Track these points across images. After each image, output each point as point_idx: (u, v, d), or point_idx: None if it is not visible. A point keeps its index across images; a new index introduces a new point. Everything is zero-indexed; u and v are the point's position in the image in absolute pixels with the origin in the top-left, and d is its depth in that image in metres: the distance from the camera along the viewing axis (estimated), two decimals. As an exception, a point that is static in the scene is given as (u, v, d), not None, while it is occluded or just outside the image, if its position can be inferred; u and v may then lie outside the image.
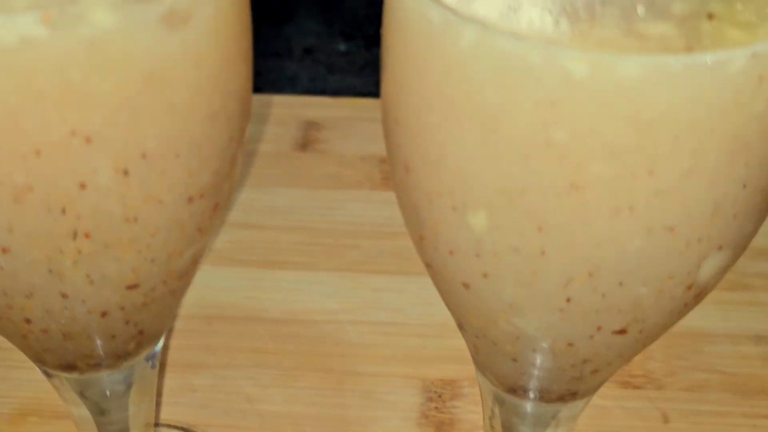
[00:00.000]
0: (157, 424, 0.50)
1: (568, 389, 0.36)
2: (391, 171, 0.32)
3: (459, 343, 0.54)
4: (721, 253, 0.29)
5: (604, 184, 0.26)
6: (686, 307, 0.32)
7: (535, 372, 0.35)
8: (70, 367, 0.36)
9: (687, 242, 0.28)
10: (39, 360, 0.36)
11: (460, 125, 0.27)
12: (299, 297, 0.58)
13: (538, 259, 0.29)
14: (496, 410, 0.40)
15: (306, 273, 0.60)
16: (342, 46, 0.88)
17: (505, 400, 0.39)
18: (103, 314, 0.32)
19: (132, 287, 0.31)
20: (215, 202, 0.32)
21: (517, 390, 0.37)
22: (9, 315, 0.31)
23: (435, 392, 0.52)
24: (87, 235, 0.28)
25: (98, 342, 0.34)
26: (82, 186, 0.27)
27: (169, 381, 0.52)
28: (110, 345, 0.34)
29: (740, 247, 0.30)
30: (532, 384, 0.36)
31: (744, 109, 0.26)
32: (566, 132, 0.26)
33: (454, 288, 0.32)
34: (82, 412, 0.40)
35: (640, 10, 0.27)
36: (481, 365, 0.37)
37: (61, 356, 0.35)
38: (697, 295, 0.31)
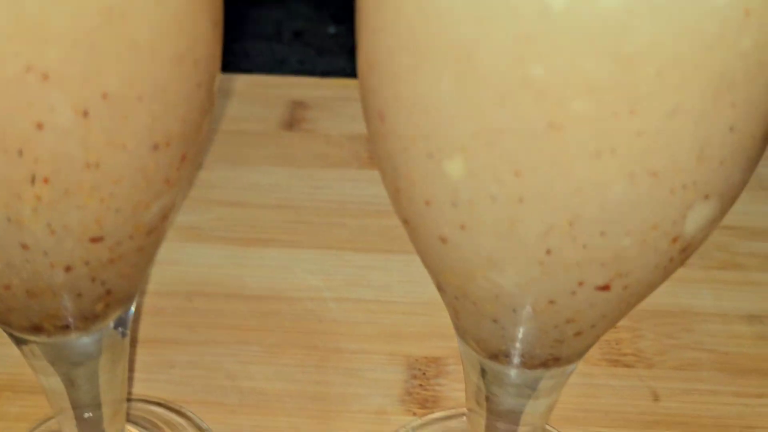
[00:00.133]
0: (131, 399, 0.48)
1: (551, 354, 0.35)
2: (366, 121, 0.31)
3: (443, 320, 0.53)
4: (707, 203, 0.28)
5: (584, 124, 0.25)
6: (672, 263, 0.31)
7: (517, 334, 0.34)
8: (37, 329, 0.35)
9: (671, 189, 0.27)
10: (5, 322, 0.35)
11: (434, 65, 0.26)
12: (282, 274, 0.57)
13: (516, 207, 0.27)
14: (481, 385, 0.39)
15: (290, 250, 0.59)
16: (332, 29, 0.87)
17: (487, 368, 0.38)
18: (67, 269, 0.31)
19: (96, 240, 0.30)
20: (183, 153, 0.30)
21: (499, 356, 0.36)
22: (-33, 268, 0.30)
23: (419, 370, 0.51)
24: (46, 180, 0.27)
25: (64, 301, 0.33)
26: (40, 126, 0.26)
27: (147, 357, 0.51)
28: (77, 304, 0.33)
29: (728, 198, 0.29)
30: (514, 348, 0.35)
31: (729, 44, 0.25)
32: (544, 68, 0.25)
33: (431, 243, 0.31)
34: (53, 382, 0.39)
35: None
36: (462, 330, 0.36)
37: (27, 317, 0.34)
38: (684, 249, 0.30)
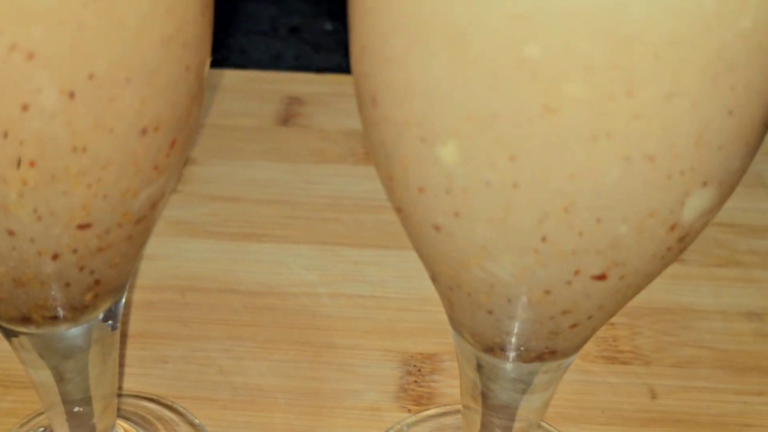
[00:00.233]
0: (123, 395, 0.48)
1: (547, 346, 0.34)
2: (359, 108, 0.31)
3: (439, 317, 0.53)
4: (705, 190, 0.28)
5: (580, 107, 0.25)
6: (670, 252, 0.30)
7: (512, 326, 0.33)
8: (25, 320, 0.34)
9: (668, 174, 0.26)
10: (-8, 313, 0.34)
11: (427, 47, 0.26)
12: (277, 270, 0.57)
13: (511, 193, 0.27)
14: (477, 380, 0.38)
15: (284, 246, 0.59)
16: (328, 26, 0.86)
17: (482, 362, 0.37)
18: (55, 257, 0.30)
19: (84, 227, 0.29)
20: (172, 138, 0.30)
21: (495, 349, 0.35)
22: (-48, 254, 0.29)
23: (414, 366, 0.50)
24: (32, 164, 0.27)
25: (52, 290, 0.32)
26: (25, 107, 0.25)
27: (140, 352, 0.50)
28: (65, 294, 0.33)
29: (726, 186, 0.29)
30: (510, 340, 0.34)
31: (728, 24, 0.24)
32: (538, 49, 0.24)
33: (425, 232, 0.31)
34: (43, 376, 0.39)
35: None
36: (456, 323, 0.36)
37: (15, 306, 0.33)
38: (681, 238, 0.29)
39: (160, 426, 0.47)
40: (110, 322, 0.37)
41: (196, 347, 0.51)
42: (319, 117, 0.70)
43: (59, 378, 0.39)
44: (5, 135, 0.26)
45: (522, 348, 0.35)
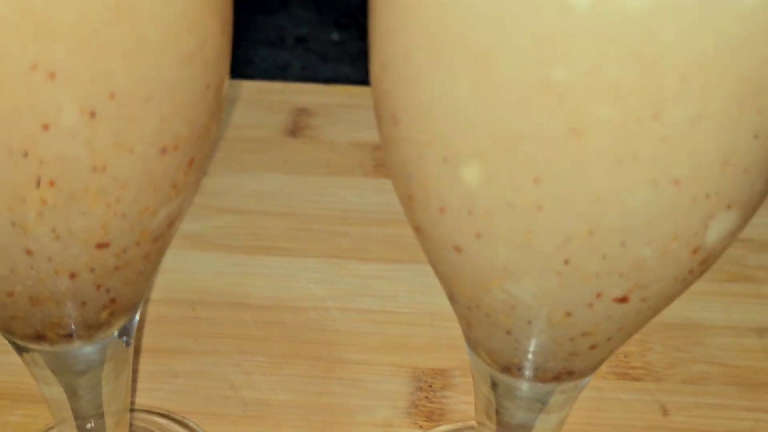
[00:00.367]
0: (134, 410, 0.48)
1: (565, 367, 0.34)
2: (379, 126, 0.31)
3: (450, 332, 0.53)
4: (730, 212, 0.27)
5: (606, 129, 0.25)
6: (691, 274, 0.30)
7: (531, 346, 0.33)
8: (39, 338, 0.34)
9: (694, 198, 0.26)
10: (6, 330, 0.34)
11: (451, 66, 0.26)
12: (286, 283, 0.56)
13: (534, 216, 0.27)
14: (491, 398, 0.38)
15: (294, 259, 0.58)
16: (335, 36, 0.86)
17: (498, 381, 0.37)
18: (72, 275, 0.30)
19: (102, 246, 0.29)
20: (191, 157, 0.30)
21: (512, 368, 0.35)
22: (-31, 273, 0.29)
23: (425, 381, 0.50)
24: (51, 183, 0.26)
25: (68, 308, 0.32)
26: (45, 127, 0.25)
27: (150, 366, 0.50)
28: (81, 312, 0.32)
29: (750, 207, 0.29)
30: (527, 361, 0.34)
31: (757, 48, 0.24)
32: (566, 70, 0.24)
33: (445, 253, 0.30)
34: (55, 392, 0.38)
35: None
36: (473, 342, 0.35)
37: (30, 324, 0.33)
38: (704, 260, 0.29)
39: (170, 441, 0.47)
40: (124, 338, 0.37)
41: (207, 362, 0.51)
42: (328, 128, 0.70)
43: (72, 394, 0.38)
44: (25, 154, 0.25)
45: (539, 368, 0.34)
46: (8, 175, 0.26)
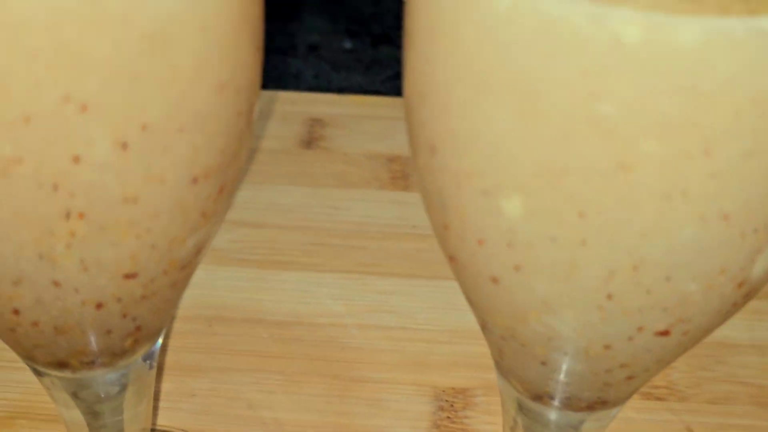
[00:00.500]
0: (153, 430, 0.47)
1: (599, 397, 0.33)
2: (413, 154, 0.30)
3: (471, 349, 0.52)
4: (776, 246, 0.27)
5: (655, 165, 0.24)
6: (734, 307, 0.29)
7: (566, 377, 0.32)
8: (62, 365, 0.33)
9: (742, 233, 0.25)
10: (28, 357, 0.33)
11: (494, 98, 0.25)
12: (303, 299, 0.56)
13: (578, 250, 0.26)
14: (519, 420, 0.37)
15: (310, 274, 0.58)
16: (347, 44, 0.85)
17: (528, 407, 0.36)
18: (99, 306, 0.29)
19: (130, 276, 0.28)
20: (221, 185, 0.29)
21: (543, 397, 0.34)
22: (-5, 305, 0.28)
23: (446, 401, 0.49)
24: (81, 216, 0.26)
25: (93, 337, 0.31)
26: (77, 159, 0.24)
27: (167, 384, 0.49)
28: (106, 341, 0.32)
29: (796, 240, 0.28)
30: (561, 391, 0.33)
31: (813, 82, 0.23)
32: (615, 105, 0.23)
33: (480, 283, 0.30)
34: (74, 414, 0.38)
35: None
36: (504, 370, 0.35)
37: (53, 353, 0.32)
38: (747, 294, 0.28)
39: (188, 462, 0.46)
40: (148, 361, 0.36)
41: (224, 380, 0.50)
42: (342, 140, 0.69)
43: (92, 418, 0.38)
44: (55, 188, 0.25)
45: (572, 398, 0.34)
46: (37, 208, 0.25)
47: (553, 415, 0.36)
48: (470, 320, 0.52)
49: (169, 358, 0.51)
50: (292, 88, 0.78)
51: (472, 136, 0.26)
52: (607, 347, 0.29)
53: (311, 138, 0.69)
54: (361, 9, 0.90)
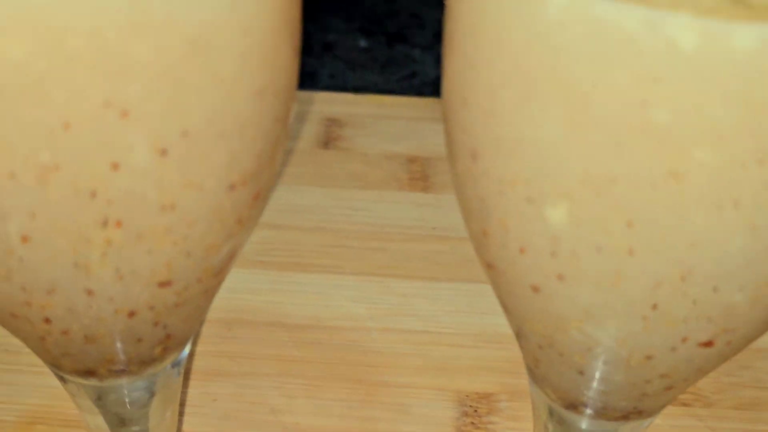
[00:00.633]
0: (175, 436, 0.46)
1: (635, 407, 0.33)
2: (452, 160, 0.29)
3: (495, 353, 0.51)
4: (825, 255, 0.26)
5: (708, 174, 0.23)
6: (778, 316, 0.28)
7: (603, 387, 0.32)
8: (89, 373, 0.33)
9: (792, 242, 0.25)
10: (55, 365, 0.33)
11: (542, 104, 0.24)
12: (324, 302, 0.55)
13: (625, 259, 0.25)
14: (550, 426, 0.36)
15: (330, 276, 0.57)
16: (362, 42, 0.85)
17: (559, 415, 0.35)
18: (131, 314, 0.29)
19: (164, 284, 0.28)
20: (257, 191, 0.28)
21: (578, 406, 0.34)
22: (27, 314, 0.28)
23: (470, 406, 0.49)
24: (118, 224, 0.25)
25: (123, 346, 0.30)
26: (115, 166, 0.24)
27: (188, 389, 0.49)
28: (135, 349, 0.31)
29: None
30: (596, 400, 0.33)
31: None
32: (669, 112, 0.23)
33: (519, 291, 0.29)
34: (99, 421, 0.37)
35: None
36: (538, 378, 0.34)
37: (81, 361, 0.31)
38: (792, 303, 0.28)
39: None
40: (176, 368, 0.35)
41: (246, 384, 0.49)
42: (360, 140, 0.69)
43: (118, 424, 0.37)
44: (93, 195, 0.24)
45: (608, 408, 0.33)
46: (74, 216, 0.25)
47: (585, 423, 0.35)
48: (494, 324, 0.51)
49: (190, 362, 0.50)
50: (308, 87, 0.77)
51: (518, 142, 0.25)
52: (648, 357, 0.29)
53: (329, 138, 0.69)
54: (376, 7, 0.89)
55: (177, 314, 0.30)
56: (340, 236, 0.60)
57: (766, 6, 0.23)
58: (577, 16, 0.23)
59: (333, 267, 0.58)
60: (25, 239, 0.25)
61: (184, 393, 0.49)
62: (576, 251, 0.26)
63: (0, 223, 0.24)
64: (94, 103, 0.23)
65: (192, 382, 0.49)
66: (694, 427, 0.48)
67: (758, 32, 0.22)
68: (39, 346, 0.31)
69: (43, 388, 0.48)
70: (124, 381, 0.34)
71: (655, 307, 0.26)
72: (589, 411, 0.34)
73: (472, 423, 0.48)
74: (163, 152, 0.24)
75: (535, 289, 0.28)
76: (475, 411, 0.48)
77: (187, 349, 0.35)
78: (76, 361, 0.32)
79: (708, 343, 0.28)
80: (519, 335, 0.33)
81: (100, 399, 0.35)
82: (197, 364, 0.50)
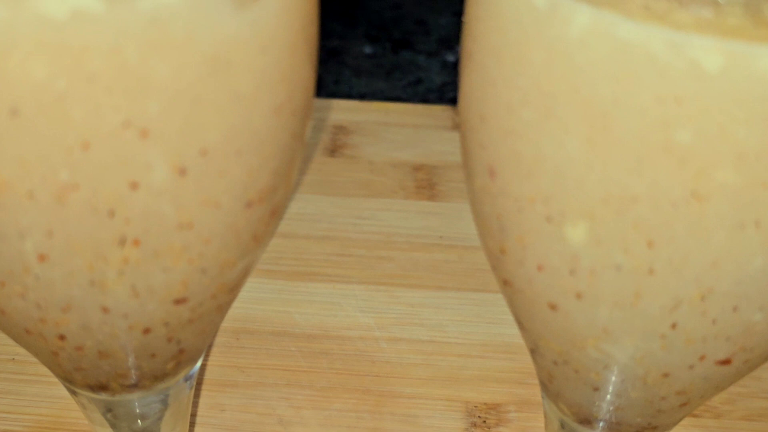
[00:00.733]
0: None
1: (650, 423, 0.33)
2: (468, 176, 0.29)
3: (502, 364, 0.51)
4: None
5: (729, 194, 0.23)
6: (796, 335, 0.28)
7: (618, 403, 0.31)
8: (101, 388, 0.33)
9: (812, 262, 0.25)
10: (67, 379, 0.33)
11: (563, 123, 0.24)
12: (331, 311, 0.55)
13: (644, 279, 0.25)
14: (563, 440, 0.36)
15: (337, 285, 0.57)
16: (367, 49, 0.85)
17: (573, 430, 0.35)
18: (146, 331, 0.28)
19: (180, 301, 0.28)
20: (273, 208, 0.28)
21: (592, 421, 0.34)
22: (41, 330, 0.28)
23: (479, 417, 0.49)
24: (136, 242, 0.25)
25: (136, 361, 0.30)
26: (134, 186, 0.24)
27: (196, 399, 0.49)
28: (148, 365, 0.31)
29: None
30: (611, 416, 0.33)
31: None
32: (691, 133, 0.23)
33: (537, 309, 0.29)
34: (108, 434, 0.37)
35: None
36: (552, 393, 0.34)
37: (93, 376, 0.31)
38: (810, 321, 0.28)
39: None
40: (188, 382, 0.35)
41: (254, 394, 0.49)
42: (367, 148, 0.69)
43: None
44: (111, 214, 0.24)
45: (622, 423, 0.33)
46: (91, 234, 0.24)
47: (600, 439, 0.35)
48: (501, 333, 0.51)
49: (198, 372, 0.50)
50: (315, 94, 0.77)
51: (537, 161, 0.25)
52: (665, 375, 0.29)
53: (335, 146, 0.69)
54: (381, 13, 0.89)
55: (191, 330, 0.30)
56: (346, 245, 0.60)
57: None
58: (600, 36, 0.23)
59: (340, 276, 0.58)
60: (42, 258, 0.25)
61: (193, 404, 0.48)
62: (595, 270, 0.26)
63: (17, 242, 0.24)
64: (113, 122, 0.23)
65: (200, 392, 0.49)
66: (703, 439, 0.48)
67: (782, 54, 0.22)
68: (52, 360, 0.31)
69: (51, 399, 0.48)
70: (135, 395, 0.34)
71: (674, 326, 0.26)
72: (602, 426, 0.34)
73: (481, 434, 0.48)
74: (182, 171, 0.24)
75: (553, 307, 0.28)
76: (484, 422, 0.48)
77: (198, 363, 0.35)
78: (89, 376, 0.31)
79: (726, 361, 0.28)
80: (534, 351, 0.32)
81: (110, 411, 0.35)
82: (205, 373, 0.50)
